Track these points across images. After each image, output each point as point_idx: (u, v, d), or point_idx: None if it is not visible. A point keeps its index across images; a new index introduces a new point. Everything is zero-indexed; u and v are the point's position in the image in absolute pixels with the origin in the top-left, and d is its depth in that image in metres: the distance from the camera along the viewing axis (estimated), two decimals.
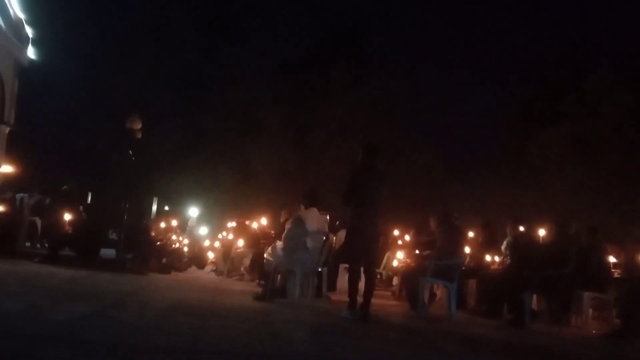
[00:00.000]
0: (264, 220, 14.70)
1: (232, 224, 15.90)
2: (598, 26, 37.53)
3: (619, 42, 36.09)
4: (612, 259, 9.96)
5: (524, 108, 27.37)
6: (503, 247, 11.00)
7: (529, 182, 25.04)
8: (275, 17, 36.71)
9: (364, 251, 8.18)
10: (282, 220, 12.53)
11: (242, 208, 19.93)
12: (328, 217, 10.05)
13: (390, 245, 13.62)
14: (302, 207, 9.46)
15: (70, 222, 12.29)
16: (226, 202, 25.25)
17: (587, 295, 9.13)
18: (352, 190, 8.18)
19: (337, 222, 11.93)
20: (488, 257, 11.04)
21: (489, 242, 11.39)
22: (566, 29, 37.72)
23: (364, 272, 8.38)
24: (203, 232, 18.63)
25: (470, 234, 12.02)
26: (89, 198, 14.22)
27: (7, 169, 12.20)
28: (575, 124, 23.91)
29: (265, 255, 10.26)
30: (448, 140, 27.64)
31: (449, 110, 29.04)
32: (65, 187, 14.35)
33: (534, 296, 9.42)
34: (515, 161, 26.07)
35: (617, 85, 23.40)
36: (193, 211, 18.72)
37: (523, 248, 10.17)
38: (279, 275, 9.67)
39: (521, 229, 11.02)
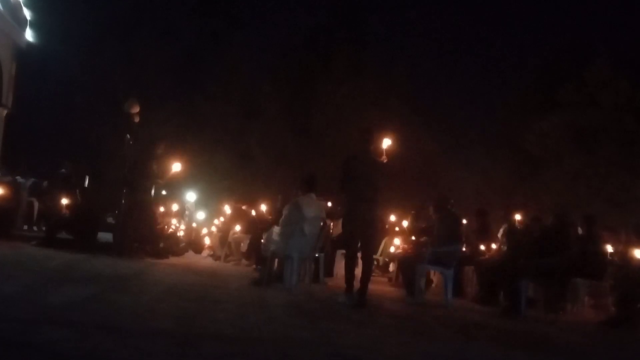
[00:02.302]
0: (262, 206, 14.73)
1: (228, 210, 15.90)
2: (597, 15, 37.43)
3: (618, 31, 36.04)
4: (609, 248, 9.97)
5: (523, 96, 27.37)
6: (500, 235, 11.02)
7: (526, 171, 25.06)
8: (274, 2, 36.59)
9: (361, 237, 8.18)
10: (278, 205, 12.54)
11: (240, 193, 19.91)
12: (330, 204, 10.05)
13: (387, 231, 13.65)
14: (299, 192, 9.47)
15: (68, 206, 12.28)
16: (224, 188, 25.22)
17: (583, 283, 9.16)
18: (348, 177, 8.16)
19: (340, 208, 11.93)
20: (482, 246, 11.06)
21: (482, 230, 11.42)
22: (566, 17, 37.63)
23: (361, 258, 8.39)
24: (200, 217, 18.64)
25: (465, 222, 12.04)
26: (87, 182, 14.19)
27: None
28: (574, 113, 23.91)
29: (262, 241, 10.27)
30: (447, 126, 27.53)
31: (448, 97, 28.99)
32: (62, 170, 14.33)
33: (530, 284, 9.44)
34: (513, 149, 26.07)
35: (616, 74, 23.39)
36: (190, 196, 18.72)
37: (519, 236, 10.19)
38: (276, 261, 9.68)
39: (518, 217, 11.05)
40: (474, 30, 35.84)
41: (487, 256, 10.80)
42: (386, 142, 8.52)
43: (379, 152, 8.49)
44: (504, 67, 33.05)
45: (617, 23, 35.50)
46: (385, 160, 8.45)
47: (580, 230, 9.72)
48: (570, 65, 25.44)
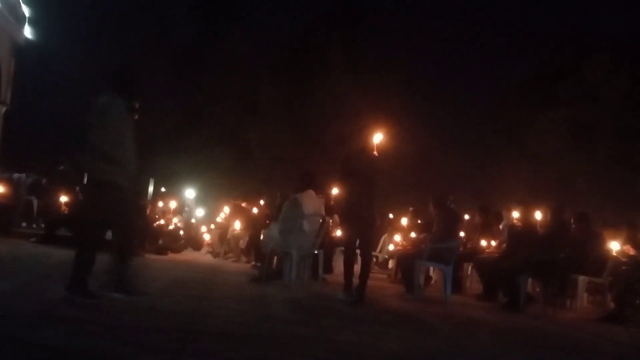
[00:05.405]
0: (261, 202, 14.71)
1: (227, 208, 15.88)
2: (597, 10, 37.36)
3: (618, 26, 35.95)
4: (608, 245, 9.96)
5: (522, 91, 27.30)
6: (501, 227, 11.02)
7: (525, 166, 25.04)
8: None
9: (360, 235, 8.19)
10: (277, 202, 12.53)
11: (239, 190, 19.91)
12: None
13: (386, 228, 13.65)
14: (294, 190, 9.48)
15: (67, 203, 12.28)
16: (223, 184, 25.21)
17: (582, 279, 9.17)
18: (347, 175, 8.19)
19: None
20: (484, 242, 11.05)
21: (485, 227, 11.41)
22: (565, 12, 37.56)
23: (360, 255, 8.40)
24: (200, 214, 18.64)
25: (467, 217, 12.03)
26: (85, 179, 14.19)
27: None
28: (573, 109, 23.90)
29: (261, 237, 10.27)
30: (445, 122, 27.44)
31: (446, 92, 28.87)
32: (61, 167, 14.32)
33: (529, 280, 9.44)
34: (512, 145, 26.04)
35: (615, 69, 23.37)
36: (190, 193, 18.72)
37: (519, 232, 10.18)
38: (275, 258, 9.68)
39: (515, 214, 11.04)
40: (472, 25, 35.73)
41: (487, 253, 10.80)
42: (377, 137, 8.47)
43: (371, 147, 8.50)
44: (503, 62, 32.93)
45: (616, 18, 35.43)
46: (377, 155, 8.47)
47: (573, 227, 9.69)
48: (569, 60, 25.41)
